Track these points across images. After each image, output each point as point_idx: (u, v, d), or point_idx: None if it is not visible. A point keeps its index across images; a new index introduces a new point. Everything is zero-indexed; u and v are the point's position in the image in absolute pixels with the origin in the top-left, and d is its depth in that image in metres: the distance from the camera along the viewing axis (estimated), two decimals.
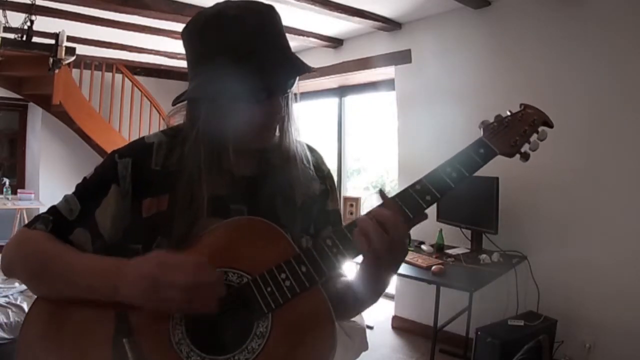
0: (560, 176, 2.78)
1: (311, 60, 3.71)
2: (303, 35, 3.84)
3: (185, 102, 0.79)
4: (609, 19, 2.58)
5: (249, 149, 0.79)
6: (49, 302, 0.74)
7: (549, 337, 2.38)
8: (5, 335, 2.44)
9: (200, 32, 0.74)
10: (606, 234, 2.59)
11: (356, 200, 4.25)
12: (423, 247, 3.07)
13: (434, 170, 0.72)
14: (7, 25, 2.89)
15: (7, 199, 5.19)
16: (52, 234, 0.75)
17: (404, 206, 0.69)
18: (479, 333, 2.49)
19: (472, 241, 3.03)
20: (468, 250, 2.97)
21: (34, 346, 0.73)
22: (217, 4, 0.74)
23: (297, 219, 0.82)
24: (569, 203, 2.74)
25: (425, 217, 0.71)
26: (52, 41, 3.01)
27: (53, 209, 0.78)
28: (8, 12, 2.96)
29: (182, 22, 3.21)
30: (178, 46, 4.12)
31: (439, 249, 3.01)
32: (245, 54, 0.71)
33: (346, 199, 4.34)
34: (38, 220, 0.77)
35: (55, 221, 0.76)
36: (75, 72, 4.99)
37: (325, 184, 0.90)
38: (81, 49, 4.17)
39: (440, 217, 3.17)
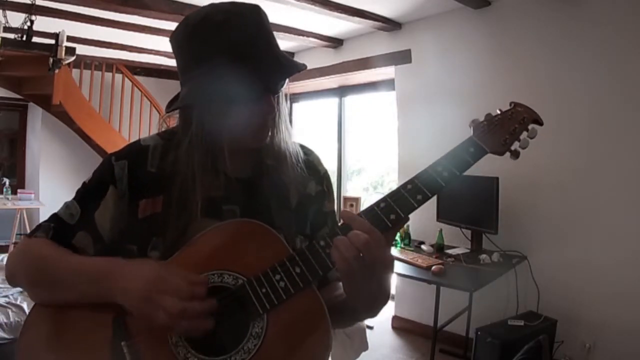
0: (560, 176, 2.78)
1: (311, 60, 3.72)
2: (303, 35, 3.84)
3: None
4: (609, 19, 2.58)
5: (244, 149, 0.80)
6: (48, 307, 0.75)
7: (549, 337, 2.38)
8: (5, 335, 2.44)
9: (189, 38, 0.75)
10: (606, 234, 2.59)
11: (356, 200, 4.25)
12: (423, 247, 3.07)
13: (425, 169, 0.72)
14: (7, 25, 2.89)
15: (7, 199, 5.19)
16: (52, 241, 0.77)
17: (397, 206, 0.69)
18: (479, 333, 2.49)
19: (472, 241, 3.03)
20: (468, 250, 2.97)
21: (33, 351, 0.74)
22: (203, 8, 0.75)
23: (291, 219, 0.82)
24: (569, 203, 2.75)
25: (406, 220, 0.70)
26: (52, 41, 3.01)
27: (54, 216, 0.80)
28: (8, 12, 2.96)
29: None
30: None
31: (439, 249, 3.01)
32: (236, 57, 0.71)
33: (346, 199, 4.34)
34: (39, 229, 0.79)
35: (56, 228, 0.78)
36: (75, 72, 4.99)
37: (321, 185, 0.90)
38: (81, 49, 4.17)
39: (440, 217, 3.17)
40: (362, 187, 5.10)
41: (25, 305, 2.62)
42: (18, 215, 5.09)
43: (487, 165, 3.35)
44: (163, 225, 0.75)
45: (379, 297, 0.71)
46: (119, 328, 0.69)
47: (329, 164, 4.75)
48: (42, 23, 3.11)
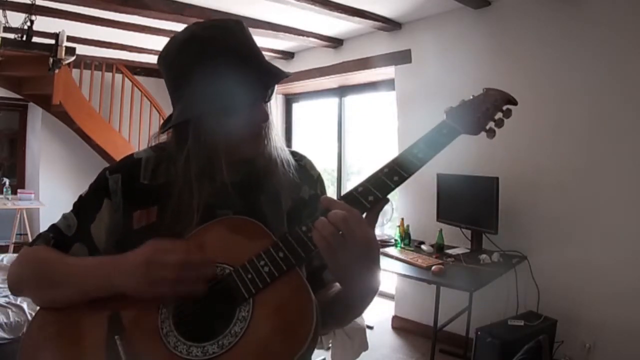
0: (560, 176, 2.78)
1: (311, 60, 3.72)
2: (303, 35, 3.84)
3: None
4: (609, 19, 2.58)
5: (240, 159, 0.82)
6: (50, 310, 0.78)
7: (549, 337, 2.38)
8: (5, 335, 2.44)
9: (176, 57, 0.78)
10: (606, 234, 2.59)
11: None
12: (423, 247, 3.07)
13: (401, 153, 0.75)
14: (7, 25, 2.89)
15: (7, 199, 5.19)
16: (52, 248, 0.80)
17: (374, 189, 0.72)
18: (479, 333, 2.49)
19: (472, 241, 3.04)
20: (468, 250, 2.97)
21: (35, 352, 0.76)
22: (188, 27, 0.78)
23: (283, 223, 0.85)
24: (569, 203, 2.75)
25: (386, 201, 0.72)
26: (52, 41, 3.01)
27: (52, 227, 0.83)
28: (8, 12, 2.96)
29: (182, 22, 3.23)
30: None
31: (439, 249, 3.01)
32: (226, 69, 0.74)
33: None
34: (39, 238, 0.83)
35: (55, 238, 0.81)
36: (75, 72, 4.99)
37: (315, 188, 0.93)
38: (81, 49, 4.18)
39: (440, 217, 3.17)
40: None
41: (25, 305, 2.62)
42: (18, 215, 5.09)
43: (487, 165, 3.34)
44: (158, 234, 0.77)
45: (367, 281, 0.71)
46: (113, 324, 0.71)
47: (329, 164, 4.75)
48: (42, 23, 3.11)
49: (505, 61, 3.02)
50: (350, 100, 4.72)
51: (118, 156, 3.33)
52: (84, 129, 4.92)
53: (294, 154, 0.93)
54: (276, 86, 0.82)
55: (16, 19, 2.99)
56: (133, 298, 0.71)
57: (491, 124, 0.81)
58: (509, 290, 2.86)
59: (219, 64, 0.74)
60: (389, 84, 3.90)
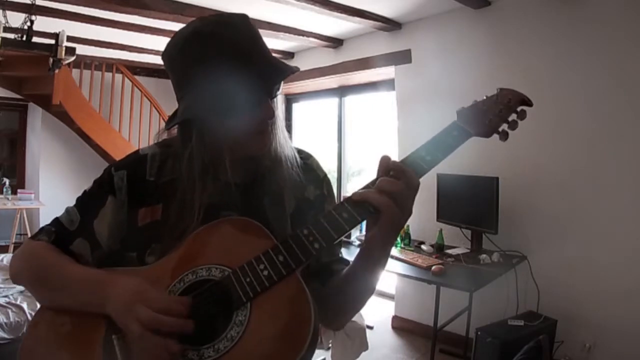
0: (560, 176, 2.78)
1: (311, 61, 3.72)
2: (303, 35, 3.84)
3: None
4: (609, 18, 2.58)
5: (245, 156, 0.81)
6: (51, 309, 0.78)
7: (549, 337, 2.38)
8: (5, 335, 2.45)
9: (181, 53, 0.75)
10: (606, 234, 2.59)
11: None
12: (423, 247, 3.07)
13: (409, 154, 0.74)
14: (7, 25, 2.89)
15: (7, 199, 5.20)
16: (54, 245, 0.80)
17: None
18: (479, 333, 2.49)
19: (472, 241, 3.04)
20: (468, 250, 2.97)
21: (35, 349, 0.76)
22: (192, 23, 0.76)
23: (286, 223, 0.84)
24: (569, 203, 2.75)
25: None
26: (52, 41, 3.01)
27: (56, 221, 0.83)
28: (8, 12, 2.95)
29: (182, 22, 3.22)
30: None
31: (439, 249, 3.01)
32: (231, 65, 0.72)
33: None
34: (42, 232, 0.82)
35: (57, 232, 0.81)
36: (75, 72, 4.99)
37: (321, 188, 0.91)
38: (81, 49, 4.18)
39: (440, 217, 3.17)
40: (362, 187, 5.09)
41: (25, 305, 2.62)
42: (18, 215, 5.09)
43: (487, 165, 3.34)
44: (162, 232, 0.77)
45: (389, 251, 0.75)
46: (111, 324, 0.71)
47: (329, 164, 4.74)
48: (42, 23, 3.11)
49: (505, 61, 3.02)
50: (350, 100, 4.72)
51: (118, 156, 3.33)
52: (84, 129, 4.92)
53: (301, 152, 0.91)
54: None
55: (16, 19, 2.98)
56: None
57: (504, 126, 0.78)
58: (509, 290, 2.86)
59: (223, 61, 0.72)
60: (389, 84, 3.90)
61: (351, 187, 4.84)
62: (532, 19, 2.90)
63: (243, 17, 0.77)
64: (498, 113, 0.77)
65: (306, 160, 0.91)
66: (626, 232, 2.53)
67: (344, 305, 0.84)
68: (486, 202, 2.84)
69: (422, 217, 3.39)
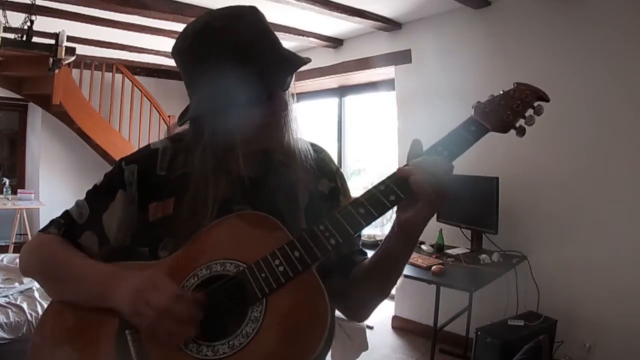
0: (560, 176, 2.78)
1: (311, 60, 3.67)
2: (303, 35, 3.85)
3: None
4: (609, 19, 2.58)
5: (257, 150, 0.80)
6: (63, 302, 0.79)
7: (549, 337, 2.38)
8: (5, 335, 2.44)
9: (191, 48, 0.75)
10: (606, 234, 2.59)
11: None
12: (423, 247, 3.07)
13: (425, 150, 0.73)
14: (7, 25, 2.89)
15: (7, 199, 5.20)
16: (63, 238, 0.80)
17: (397, 188, 0.71)
18: (479, 333, 2.49)
19: (472, 241, 3.04)
20: (468, 250, 2.97)
21: (47, 341, 0.76)
22: (201, 17, 0.75)
23: (300, 217, 0.82)
24: (569, 203, 2.75)
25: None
26: (52, 41, 3.01)
27: (65, 213, 0.83)
28: (8, 12, 2.95)
29: (182, 22, 3.23)
30: None
31: (439, 249, 3.01)
32: (243, 59, 0.71)
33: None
34: (52, 224, 0.82)
35: (66, 224, 0.81)
36: (75, 72, 4.99)
37: (335, 182, 0.91)
38: (81, 49, 4.17)
39: (440, 217, 3.17)
40: (362, 187, 5.09)
41: (25, 305, 2.62)
42: (18, 216, 5.09)
43: (487, 165, 3.34)
44: (175, 226, 0.77)
45: (418, 236, 0.75)
46: (124, 319, 0.70)
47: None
48: (42, 23, 3.11)
49: (505, 61, 3.02)
50: (350, 100, 4.72)
51: (118, 156, 3.32)
52: (84, 129, 4.92)
53: (314, 145, 0.91)
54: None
55: (16, 19, 2.98)
56: None
57: (521, 122, 0.76)
58: (509, 290, 2.86)
59: (234, 54, 0.71)
60: (389, 84, 3.90)
61: (351, 186, 4.83)
62: (532, 19, 2.90)
63: (253, 10, 0.76)
64: (515, 108, 0.76)
65: (319, 153, 0.90)
66: (626, 232, 2.53)
67: (369, 295, 0.84)
68: (486, 202, 2.84)
69: None
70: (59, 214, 0.85)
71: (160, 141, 0.85)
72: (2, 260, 3.35)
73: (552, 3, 2.80)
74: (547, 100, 0.77)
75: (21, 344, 2.37)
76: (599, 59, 2.62)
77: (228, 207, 0.78)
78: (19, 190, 5.31)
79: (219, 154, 0.77)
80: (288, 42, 4.18)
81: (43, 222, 0.88)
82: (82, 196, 0.85)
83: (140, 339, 0.68)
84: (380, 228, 3.63)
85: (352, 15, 3.24)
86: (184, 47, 0.76)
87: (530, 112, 0.77)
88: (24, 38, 2.93)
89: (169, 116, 5.32)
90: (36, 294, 2.74)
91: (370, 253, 0.87)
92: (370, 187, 0.73)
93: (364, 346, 2.57)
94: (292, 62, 0.75)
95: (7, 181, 5.45)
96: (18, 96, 5.23)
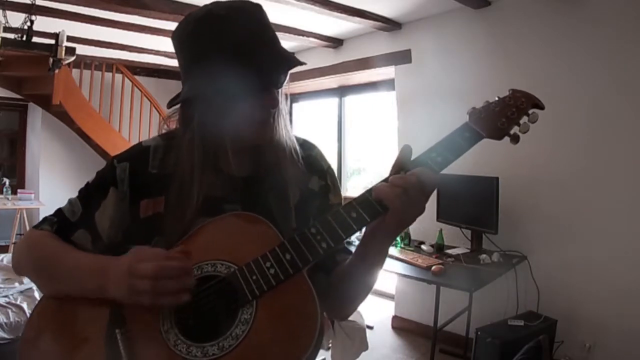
0: (560, 176, 2.78)
1: (311, 60, 3.69)
2: (303, 35, 3.84)
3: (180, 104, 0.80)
4: (609, 19, 2.57)
5: (246, 146, 0.80)
6: (54, 300, 0.78)
7: (549, 337, 2.38)
8: (5, 335, 2.44)
9: (192, 33, 0.75)
10: (606, 234, 2.59)
11: None
12: (423, 247, 3.07)
13: (419, 156, 0.73)
14: (7, 25, 2.89)
15: (7, 199, 5.20)
16: (56, 234, 0.80)
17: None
18: (479, 333, 2.49)
19: (472, 241, 3.03)
20: (468, 250, 2.97)
21: (37, 340, 0.76)
22: (205, 6, 0.76)
23: (290, 216, 0.83)
24: (569, 203, 2.75)
25: None
26: (52, 41, 3.01)
27: (58, 211, 0.83)
28: (8, 12, 2.95)
29: None
30: None
31: (439, 249, 3.01)
32: (240, 51, 0.72)
33: (346, 199, 4.33)
34: (45, 222, 0.82)
35: (59, 222, 0.81)
36: (75, 72, 4.99)
37: (325, 179, 0.90)
38: (81, 49, 4.17)
39: (440, 217, 3.17)
40: (362, 186, 5.09)
41: (25, 305, 2.62)
42: (18, 215, 5.09)
43: (487, 165, 3.34)
44: (164, 225, 0.77)
45: (391, 243, 0.76)
46: (114, 317, 0.71)
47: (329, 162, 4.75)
48: (42, 23, 3.11)
49: (505, 61, 3.02)
50: (350, 100, 4.72)
51: None
52: (84, 129, 4.92)
53: (305, 143, 0.91)
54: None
55: (16, 19, 2.98)
56: None
57: (515, 129, 0.76)
58: (509, 290, 2.86)
59: (234, 44, 0.72)
60: (389, 84, 3.90)
61: (351, 186, 4.85)
62: (532, 19, 2.90)
63: (258, 6, 0.77)
64: (510, 115, 0.76)
65: (310, 151, 0.90)
66: (626, 231, 2.53)
67: (347, 296, 0.84)
68: (486, 202, 2.84)
69: (422, 217, 3.38)
70: None
71: (152, 139, 0.85)
72: (2, 260, 3.35)
73: (552, 3, 2.80)
74: (542, 107, 0.77)
75: None
76: (599, 59, 2.62)
77: (219, 207, 0.78)
78: (19, 190, 5.31)
79: (207, 146, 0.77)
80: (288, 42, 4.18)
81: None
82: None
83: (130, 338, 0.69)
84: None
85: (352, 15, 3.24)
86: (184, 33, 0.77)
87: (524, 119, 0.77)
88: (24, 38, 2.93)
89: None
90: (36, 294, 2.74)
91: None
92: (369, 187, 0.73)
93: (364, 346, 2.57)
94: (289, 59, 0.76)
95: (7, 181, 5.45)
96: (18, 96, 5.23)
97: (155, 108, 5.36)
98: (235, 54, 0.71)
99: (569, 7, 2.73)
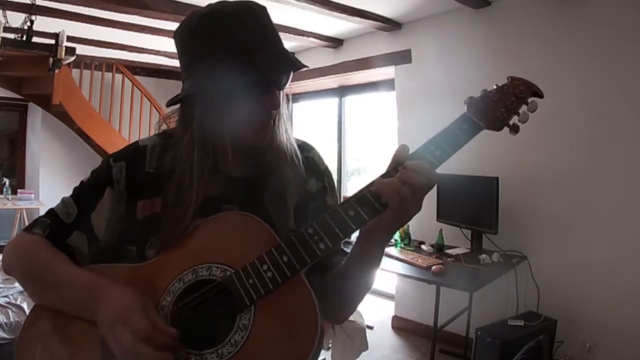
0: (560, 176, 2.78)
1: (311, 60, 3.70)
2: (303, 35, 3.84)
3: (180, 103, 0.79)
4: (609, 18, 2.57)
5: (246, 148, 0.79)
6: (47, 308, 0.76)
7: (549, 337, 2.38)
8: (5, 335, 2.44)
9: (195, 31, 0.74)
10: (606, 234, 2.59)
11: None
12: (423, 247, 3.07)
13: (417, 150, 0.71)
14: (7, 25, 2.89)
15: (7, 199, 5.20)
16: (48, 239, 0.77)
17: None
18: (479, 333, 2.49)
19: (472, 241, 3.03)
20: (468, 250, 2.97)
21: (32, 347, 0.74)
22: (208, 5, 0.75)
23: (288, 219, 0.82)
24: (569, 203, 2.74)
25: None
26: (52, 41, 3.01)
27: (51, 212, 0.80)
28: (8, 12, 2.96)
29: None
30: None
31: (439, 249, 3.01)
32: (242, 51, 0.71)
33: (346, 198, 4.34)
34: (36, 224, 0.79)
35: (53, 225, 0.78)
36: (75, 72, 4.99)
37: (322, 181, 0.89)
38: (81, 49, 4.17)
39: (440, 217, 3.17)
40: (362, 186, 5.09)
41: (25, 305, 2.62)
42: (18, 215, 5.09)
43: (487, 165, 3.33)
44: (162, 225, 0.75)
45: (385, 245, 0.74)
46: None
47: (329, 164, 4.75)
48: (42, 23, 3.11)
49: (505, 61, 3.02)
50: (350, 100, 4.72)
51: None
52: (84, 129, 4.92)
53: (303, 145, 0.90)
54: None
55: (16, 19, 2.98)
56: None
57: (515, 119, 0.74)
58: (509, 290, 2.86)
59: (236, 41, 0.71)
60: (389, 84, 3.90)
61: (351, 186, 4.85)
62: (532, 19, 2.90)
63: (263, 8, 0.77)
64: (509, 105, 0.74)
65: (308, 153, 0.89)
66: (626, 232, 2.53)
67: (345, 297, 0.83)
68: (486, 202, 2.84)
69: (422, 217, 3.36)
70: None
71: (148, 138, 0.83)
72: (1, 260, 3.35)
73: (552, 3, 2.80)
74: (541, 96, 0.75)
75: None
76: (599, 59, 2.62)
77: (217, 207, 0.76)
78: (19, 190, 5.31)
79: (206, 145, 0.76)
80: (288, 42, 4.18)
81: None
82: None
83: None
84: None
85: (352, 15, 3.24)
86: (186, 30, 0.76)
87: (524, 108, 0.74)
88: (24, 38, 2.93)
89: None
90: None
91: None
92: (367, 184, 0.71)
93: (364, 346, 2.57)
94: (290, 63, 0.75)
95: (7, 181, 5.45)
96: (18, 96, 5.23)
97: (155, 108, 5.35)
98: (238, 52, 0.71)
99: (569, 7, 2.73)
